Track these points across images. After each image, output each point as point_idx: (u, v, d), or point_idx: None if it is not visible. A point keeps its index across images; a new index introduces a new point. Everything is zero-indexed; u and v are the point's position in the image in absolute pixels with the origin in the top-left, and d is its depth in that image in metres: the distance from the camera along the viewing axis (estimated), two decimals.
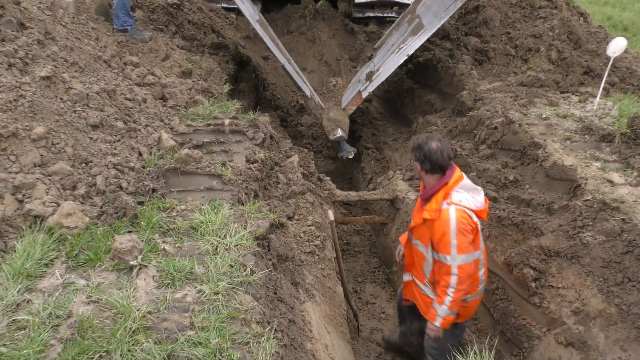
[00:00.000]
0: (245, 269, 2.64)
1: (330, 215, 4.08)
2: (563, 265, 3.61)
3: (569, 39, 6.75)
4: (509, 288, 3.93)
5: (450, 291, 3.20)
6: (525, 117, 5.07)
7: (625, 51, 6.22)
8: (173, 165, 3.50)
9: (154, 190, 3.23)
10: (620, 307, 3.17)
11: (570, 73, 6.30)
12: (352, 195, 5.49)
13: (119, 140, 3.65)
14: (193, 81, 5.28)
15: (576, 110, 5.37)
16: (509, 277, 3.92)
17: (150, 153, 3.71)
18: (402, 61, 6.28)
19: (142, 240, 2.75)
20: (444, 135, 5.85)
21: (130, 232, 2.82)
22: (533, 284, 3.68)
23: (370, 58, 7.72)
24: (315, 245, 3.89)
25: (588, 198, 3.73)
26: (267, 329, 2.38)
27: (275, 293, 2.79)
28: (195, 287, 2.48)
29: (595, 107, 5.30)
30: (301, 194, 4.22)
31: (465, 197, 3.21)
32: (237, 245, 2.82)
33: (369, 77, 6.86)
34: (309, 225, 4.01)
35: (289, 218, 3.98)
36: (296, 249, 3.63)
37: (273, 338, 2.34)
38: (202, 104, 4.79)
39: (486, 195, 4.35)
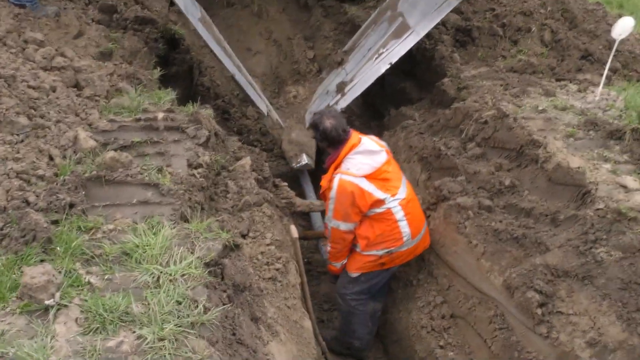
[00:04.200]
0: (197, 306, 2.49)
1: (294, 231, 3.97)
2: (574, 287, 3.63)
3: (564, 18, 6.94)
4: (509, 315, 3.94)
5: (328, 245, 4.82)
6: (519, 109, 5.12)
7: None
8: (95, 172, 3.29)
9: (71, 206, 3.01)
10: None
11: (567, 57, 6.46)
12: (316, 204, 5.40)
13: (22, 141, 3.40)
14: (115, 64, 5.04)
15: (576, 101, 5.48)
16: (509, 302, 3.93)
17: (65, 157, 3.47)
18: (383, 70, 6.19)
19: (60, 272, 2.54)
20: (424, 130, 5.85)
21: (42, 261, 2.60)
22: (539, 311, 3.68)
23: (340, 64, 7.50)
24: (277, 270, 3.77)
25: (600, 207, 3.78)
26: None
27: (234, 334, 2.65)
28: (134, 332, 2.31)
29: (597, 98, 5.43)
30: (256, 206, 4.09)
31: (355, 163, 4.42)
32: (184, 274, 2.66)
33: (341, 88, 6.71)
34: (268, 245, 3.89)
35: (243, 236, 3.84)
36: (253, 275, 3.49)
37: None
38: (127, 93, 4.56)
39: (479, 203, 4.38)
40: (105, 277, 2.60)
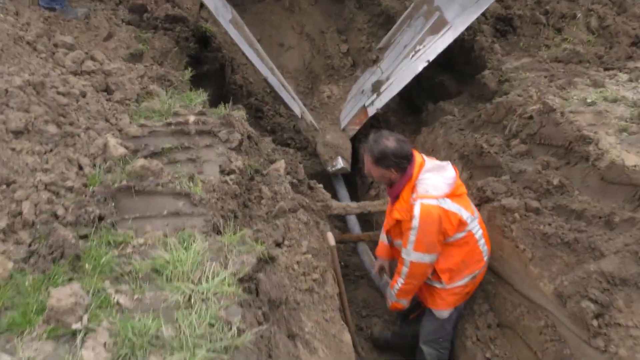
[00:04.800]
0: (231, 328, 2.35)
1: (331, 238, 3.81)
2: (633, 297, 3.39)
3: (612, 2, 6.59)
4: (561, 326, 3.72)
5: (399, 280, 4.08)
6: (566, 102, 4.86)
7: None
8: (125, 182, 3.19)
9: (100, 219, 2.92)
10: None
11: (615, 44, 6.14)
12: (352, 206, 5.23)
13: (51, 151, 3.32)
14: (145, 66, 4.95)
15: (627, 91, 5.18)
16: (560, 312, 3.71)
17: (94, 166, 3.39)
18: (420, 69, 5.94)
19: (88, 292, 2.44)
20: (464, 126, 5.63)
21: (70, 279, 2.51)
22: (595, 322, 3.46)
23: (375, 62, 7.26)
24: (314, 280, 3.62)
25: None
26: None
27: (270, 356, 2.51)
28: (164, 358, 2.19)
29: None
30: (292, 212, 3.94)
31: (431, 182, 3.85)
32: (216, 293, 2.53)
33: (376, 88, 6.49)
34: (304, 254, 3.74)
35: (278, 245, 3.70)
36: (289, 287, 3.36)
37: None
38: (158, 96, 4.47)
39: (525, 204, 4.16)
40: (135, 297, 2.49)
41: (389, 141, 3.86)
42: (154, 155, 3.61)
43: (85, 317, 2.30)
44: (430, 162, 3.99)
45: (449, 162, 4.02)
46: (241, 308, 2.54)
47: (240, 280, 2.71)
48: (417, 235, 3.79)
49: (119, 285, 2.56)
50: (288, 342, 2.87)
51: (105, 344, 2.24)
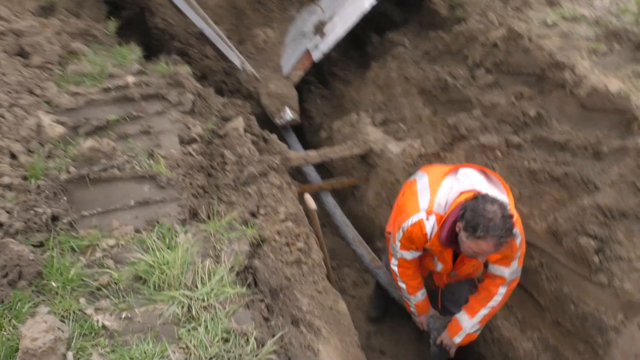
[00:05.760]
0: (248, 340, 2.01)
1: (311, 201, 3.47)
2: (633, 228, 3.29)
3: None
4: (557, 264, 3.60)
5: (490, 303, 3.39)
6: (529, 26, 4.62)
7: None
8: (74, 169, 2.69)
9: (55, 219, 2.44)
10: None
11: None
12: (312, 156, 4.88)
13: None
14: (60, 20, 4.27)
15: (583, 9, 4.99)
16: (556, 250, 3.58)
17: (30, 152, 2.85)
18: (367, 6, 5.41)
19: (64, 319, 2.01)
20: (418, 58, 5.31)
21: (37, 305, 2.06)
22: (595, 258, 3.35)
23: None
24: (299, 250, 3.30)
25: None
26: None
27: (289, 357, 2.19)
28: None
29: (606, 2, 4.96)
30: (262, 176, 3.55)
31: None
32: (218, 297, 2.16)
33: (319, 29, 5.85)
34: (283, 221, 3.39)
35: (253, 215, 3.32)
36: (276, 261, 3.02)
37: None
38: (84, 55, 3.86)
39: (506, 141, 3.97)
40: (123, 315, 2.08)
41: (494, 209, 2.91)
42: (98, 131, 3.09)
43: (70, 355, 1.88)
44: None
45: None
46: (249, 310, 2.19)
47: (237, 274, 2.35)
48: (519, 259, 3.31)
49: (98, 302, 2.15)
50: (296, 332, 2.55)
51: None
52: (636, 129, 3.52)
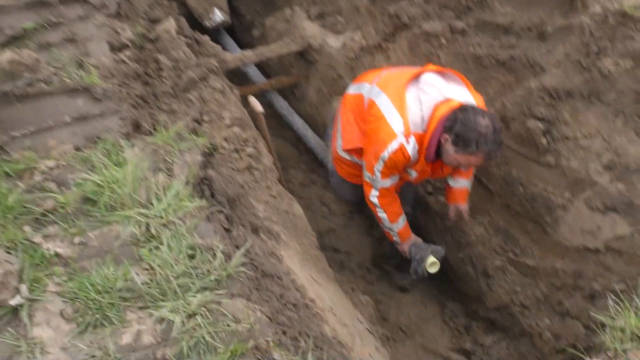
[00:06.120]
0: (215, 255, 1.92)
1: (257, 104, 3.32)
2: (579, 107, 3.32)
3: None
4: (506, 149, 3.61)
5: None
6: None
7: None
8: None
9: None
10: None
11: None
12: (249, 55, 4.65)
13: None
14: None
15: None
16: (505, 135, 3.58)
17: None
18: None
19: (11, 250, 1.86)
20: None
21: None
22: (543, 140, 3.39)
23: None
24: (250, 155, 3.17)
25: (597, 11, 3.35)
26: (292, 349, 1.78)
27: (256, 267, 2.13)
28: (151, 314, 1.74)
29: None
30: (203, 80, 3.34)
31: None
32: (176, 211, 2.05)
33: None
34: (229, 127, 3.24)
35: (197, 122, 3.15)
36: (230, 171, 2.90)
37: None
38: None
39: (450, 27, 3.88)
40: (76, 241, 1.94)
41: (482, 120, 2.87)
42: (14, 41, 2.78)
43: (23, 287, 1.76)
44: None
45: None
46: (210, 223, 2.09)
47: (193, 187, 2.23)
48: None
49: (45, 228, 2.00)
50: (257, 239, 2.48)
51: (62, 312, 1.75)
52: (580, 6, 3.46)
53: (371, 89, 3.28)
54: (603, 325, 1.81)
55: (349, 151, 3.48)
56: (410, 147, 2.98)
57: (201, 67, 3.40)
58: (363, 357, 2.36)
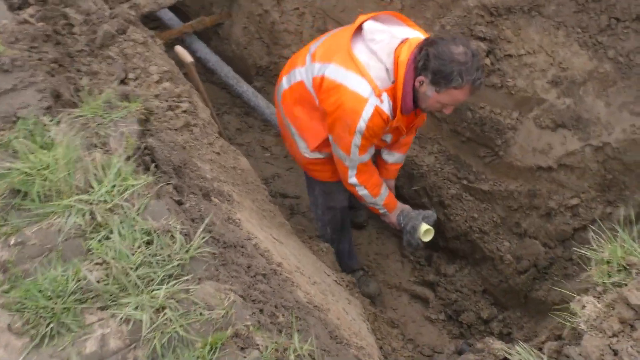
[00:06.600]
0: (173, 236, 1.74)
1: (185, 53, 3.05)
2: (520, 23, 3.24)
3: None
4: None
5: None
6: None
7: None
8: None
9: None
10: (616, 61, 2.97)
11: None
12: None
13: None
14: None
15: None
16: None
17: None
18: None
19: None
20: None
21: None
22: (487, 60, 3.31)
23: None
24: (185, 112, 2.93)
25: None
26: (273, 328, 1.66)
27: (217, 239, 1.97)
28: (113, 315, 1.57)
29: None
30: (121, 33, 3.03)
31: None
32: (121, 193, 1.84)
33: None
34: (159, 82, 2.97)
35: (122, 82, 2.87)
36: (169, 134, 2.68)
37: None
38: None
39: None
40: (11, 242, 1.71)
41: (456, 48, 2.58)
42: None
43: None
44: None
45: None
46: (161, 200, 1.90)
47: (135, 161, 2.01)
48: None
49: None
50: (210, 206, 2.31)
51: (10, 327, 1.55)
52: None
53: (309, 69, 2.87)
54: (588, 260, 1.77)
55: (318, 148, 3.05)
56: (386, 106, 2.66)
57: (117, 18, 3.07)
58: (340, 316, 2.28)
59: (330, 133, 2.88)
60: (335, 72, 2.70)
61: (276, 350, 1.56)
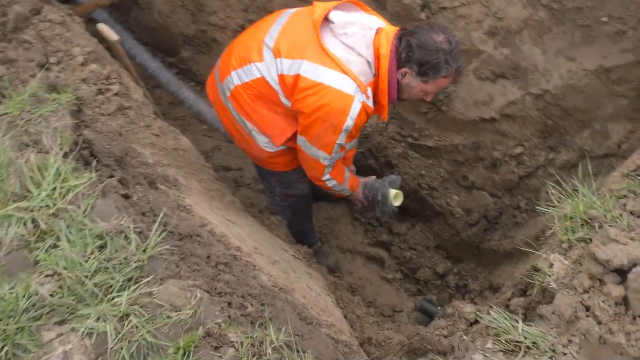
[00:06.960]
0: (126, 237, 1.64)
1: (109, 31, 2.86)
2: None
3: None
4: None
5: None
6: None
7: None
8: None
9: None
10: (550, 7, 2.98)
11: None
12: None
13: None
14: None
15: None
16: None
17: None
18: None
19: None
20: None
21: None
22: (422, 15, 3.27)
23: None
24: (117, 94, 2.76)
25: None
26: (244, 321, 1.60)
27: (172, 232, 1.87)
28: (74, 329, 1.47)
29: None
30: (36, 14, 2.80)
31: None
32: (63, 195, 1.71)
33: None
34: (84, 65, 2.78)
35: (42, 66, 2.66)
36: (105, 122, 2.51)
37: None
38: None
39: None
40: None
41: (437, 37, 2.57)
42: None
43: None
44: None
45: None
46: (107, 198, 1.78)
47: (73, 158, 1.87)
48: None
49: None
50: (158, 195, 2.20)
51: None
52: None
53: (272, 64, 2.67)
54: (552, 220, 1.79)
55: (285, 142, 2.89)
56: (371, 101, 2.61)
57: None
58: (305, 294, 2.24)
59: (302, 134, 2.73)
60: (314, 70, 2.55)
61: (252, 345, 1.52)
